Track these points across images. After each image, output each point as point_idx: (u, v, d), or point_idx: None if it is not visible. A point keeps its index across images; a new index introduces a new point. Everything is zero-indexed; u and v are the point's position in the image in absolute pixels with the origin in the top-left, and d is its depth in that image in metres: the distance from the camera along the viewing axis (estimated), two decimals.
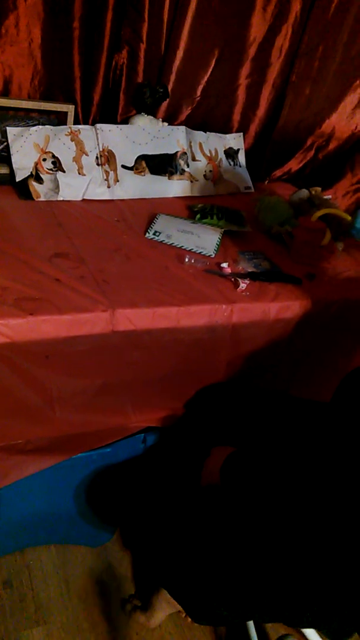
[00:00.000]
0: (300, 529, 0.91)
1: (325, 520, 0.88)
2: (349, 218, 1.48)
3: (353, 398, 0.99)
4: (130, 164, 1.57)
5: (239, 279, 1.26)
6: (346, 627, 1.00)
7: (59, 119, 1.57)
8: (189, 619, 1.34)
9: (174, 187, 1.63)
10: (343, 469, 0.89)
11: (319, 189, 1.68)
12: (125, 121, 1.64)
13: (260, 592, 0.94)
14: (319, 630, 1.08)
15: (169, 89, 1.64)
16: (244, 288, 1.25)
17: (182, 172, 1.63)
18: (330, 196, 1.71)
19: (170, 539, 1.07)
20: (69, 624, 1.33)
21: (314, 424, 1.10)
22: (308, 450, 1.01)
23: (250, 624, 1.31)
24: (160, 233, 1.38)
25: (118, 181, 1.55)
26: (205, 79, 1.69)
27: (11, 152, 1.45)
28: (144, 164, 1.58)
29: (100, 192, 1.52)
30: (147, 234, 1.37)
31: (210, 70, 1.68)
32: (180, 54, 1.61)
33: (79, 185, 1.49)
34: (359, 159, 2.09)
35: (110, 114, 1.66)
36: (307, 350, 1.37)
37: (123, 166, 1.56)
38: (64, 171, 1.48)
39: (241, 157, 1.81)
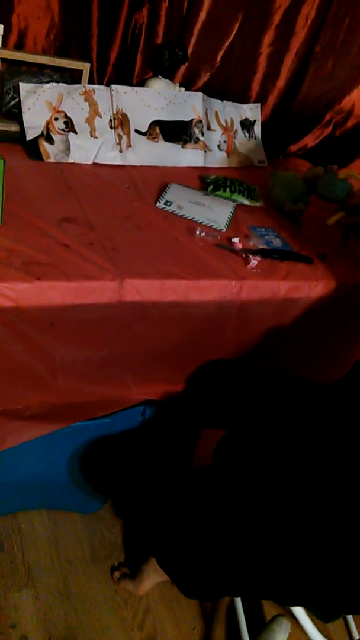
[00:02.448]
0: (293, 508, 0.91)
1: (318, 501, 0.88)
2: None
3: None
4: (144, 128, 1.52)
5: (250, 255, 1.24)
6: (335, 607, 1.01)
7: (73, 77, 1.51)
8: (176, 589, 1.36)
9: (187, 156, 1.58)
10: (339, 450, 0.88)
11: (335, 167, 1.64)
12: (142, 83, 1.58)
13: (251, 568, 0.94)
14: (308, 610, 1.09)
15: (189, 53, 1.58)
16: (254, 265, 1.22)
17: (197, 140, 1.58)
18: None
19: (163, 513, 1.07)
20: (57, 587, 1.34)
21: (314, 405, 1.09)
22: (304, 432, 1.00)
23: (238, 600, 1.33)
24: (171, 203, 1.34)
25: (130, 146, 1.50)
26: (227, 44, 1.63)
27: (22, 110, 1.40)
28: (157, 129, 1.53)
29: (111, 157, 1.47)
30: (158, 204, 1.34)
31: (232, 35, 1.61)
32: (202, 15, 1.54)
33: (91, 147, 1.44)
34: None
35: (126, 75, 1.60)
36: (314, 332, 1.35)
37: (137, 131, 1.51)
38: (75, 132, 1.43)
39: (257, 129, 1.76)
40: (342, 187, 1.35)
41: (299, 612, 1.15)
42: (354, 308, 1.35)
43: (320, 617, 1.03)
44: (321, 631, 1.19)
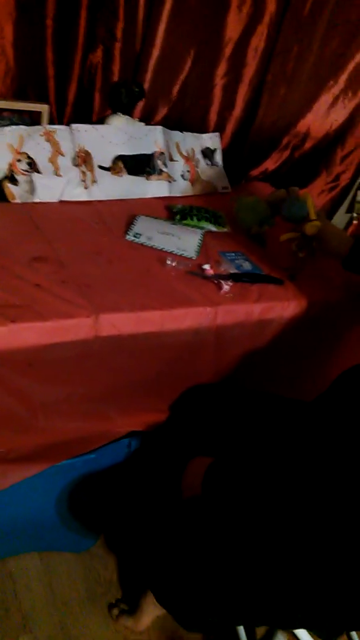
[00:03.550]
0: (287, 532, 0.91)
1: (311, 522, 0.89)
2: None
3: (345, 398, 1.00)
4: (108, 164, 1.55)
5: (222, 281, 1.26)
6: (337, 626, 1.01)
7: (32, 119, 1.53)
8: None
9: (153, 188, 1.61)
10: (327, 469, 0.89)
11: (296, 188, 1.69)
12: (101, 121, 1.61)
13: (250, 597, 0.94)
14: (310, 630, 1.08)
15: (145, 89, 1.62)
16: (227, 290, 1.25)
17: (160, 172, 1.62)
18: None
19: (157, 547, 1.07)
20: (55, 631, 1.31)
21: (295, 424, 1.11)
22: (287, 451, 1.01)
23: (241, 628, 1.32)
24: (140, 235, 1.36)
25: (95, 182, 1.52)
26: (182, 78, 1.68)
27: None
28: (121, 164, 1.56)
29: (77, 193, 1.49)
30: (127, 236, 1.36)
31: (186, 69, 1.67)
32: (156, 53, 1.59)
33: (56, 186, 1.46)
34: (334, 158, 2.11)
35: (85, 113, 1.63)
36: (290, 350, 1.38)
37: (100, 167, 1.54)
38: (39, 172, 1.44)
39: (218, 157, 1.81)
40: (304, 208, 1.40)
41: (301, 632, 1.14)
42: (327, 324, 1.38)
43: (323, 636, 1.03)
44: None
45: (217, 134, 1.80)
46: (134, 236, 1.35)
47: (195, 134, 1.75)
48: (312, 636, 1.15)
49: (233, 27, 1.65)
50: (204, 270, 1.30)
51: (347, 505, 0.84)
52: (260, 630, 1.38)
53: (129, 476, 1.28)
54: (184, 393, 1.25)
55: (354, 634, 1.39)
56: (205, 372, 1.29)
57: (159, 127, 1.63)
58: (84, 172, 1.50)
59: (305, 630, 1.09)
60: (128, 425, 1.22)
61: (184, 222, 1.49)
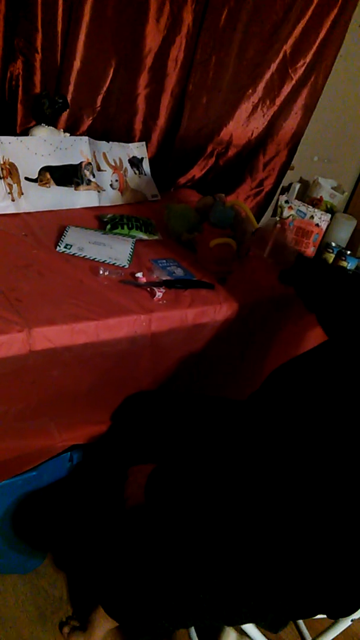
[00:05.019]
0: (229, 529, 0.93)
1: (251, 517, 0.91)
2: (255, 225, 1.54)
3: (275, 394, 1.03)
4: (34, 175, 1.53)
5: (155, 288, 1.28)
6: (282, 617, 1.05)
7: None
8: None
9: (81, 198, 1.61)
10: (262, 464, 0.92)
11: (222, 195, 1.74)
12: (25, 132, 1.60)
13: (196, 597, 0.96)
14: (257, 624, 1.11)
15: (69, 99, 1.62)
16: (160, 297, 1.27)
17: (89, 182, 1.62)
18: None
19: (104, 559, 1.06)
20: None
21: (233, 422, 1.14)
22: (227, 452, 1.04)
23: (192, 629, 1.33)
24: (71, 246, 1.36)
25: (22, 194, 1.50)
26: (105, 88, 1.69)
27: None
28: (48, 175, 1.55)
29: (4, 206, 1.46)
30: (58, 248, 1.35)
31: (108, 80, 1.68)
32: (77, 64, 1.59)
33: None
34: (257, 165, 2.18)
35: (8, 125, 1.61)
36: (225, 352, 1.41)
37: (26, 178, 1.52)
38: None
39: (146, 166, 1.83)
40: (230, 214, 1.44)
41: (248, 626, 1.16)
42: (258, 325, 1.43)
43: (269, 628, 1.06)
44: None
45: (143, 143, 1.83)
46: (65, 247, 1.35)
47: (121, 143, 1.76)
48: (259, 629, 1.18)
49: (152, 38, 1.68)
50: (136, 278, 1.31)
51: (284, 498, 0.87)
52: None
53: (72, 491, 1.26)
54: (123, 402, 1.25)
55: (300, 622, 1.44)
56: (143, 379, 1.30)
57: (85, 138, 1.63)
58: (10, 185, 1.48)
59: (252, 625, 1.11)
60: (68, 439, 1.21)
61: (115, 231, 1.50)
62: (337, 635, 1.12)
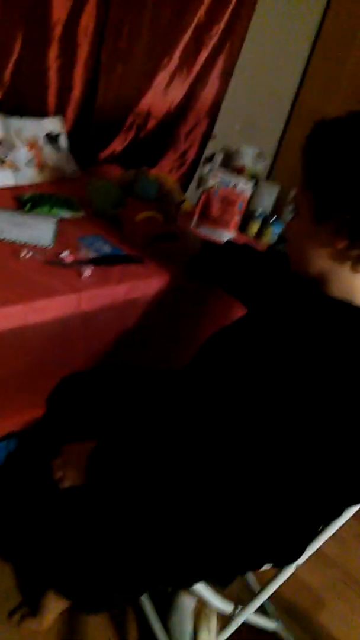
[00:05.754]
0: (171, 495, 0.95)
1: (191, 482, 0.94)
2: (181, 197, 1.54)
3: (207, 362, 1.06)
4: None
5: (82, 266, 1.26)
6: (229, 573, 1.09)
7: None
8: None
9: None
10: (197, 430, 0.95)
11: (145, 168, 1.73)
12: None
13: (146, 566, 0.98)
14: (206, 582, 1.16)
15: None
16: (88, 275, 1.25)
17: (2, 161, 1.55)
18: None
19: (50, 542, 1.06)
20: None
21: (169, 392, 1.15)
22: (165, 420, 1.06)
23: (144, 597, 1.37)
24: None
25: None
26: (13, 61, 1.61)
27: None
28: None
29: None
30: None
31: (16, 53, 1.60)
32: None
33: None
34: (178, 135, 2.17)
35: None
36: (159, 325, 1.42)
37: None
38: None
39: (63, 141, 1.78)
40: (154, 187, 1.43)
41: (198, 586, 1.21)
42: (189, 296, 1.44)
43: (219, 584, 1.11)
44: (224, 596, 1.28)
45: (58, 117, 1.77)
46: None
47: (35, 118, 1.70)
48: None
49: (60, 7, 1.61)
50: (62, 258, 1.28)
51: (218, 459, 0.90)
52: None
53: (9, 479, 1.25)
54: (58, 385, 1.24)
55: (248, 574, 1.51)
56: (78, 360, 1.29)
57: None
58: None
59: (202, 584, 1.16)
60: (4, 428, 1.19)
61: (36, 210, 1.45)
62: (283, 582, 1.18)
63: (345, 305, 0.86)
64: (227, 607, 1.25)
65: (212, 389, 0.98)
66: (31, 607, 1.31)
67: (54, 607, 1.25)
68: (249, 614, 1.26)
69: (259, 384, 0.86)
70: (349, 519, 1.10)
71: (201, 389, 1.03)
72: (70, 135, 1.80)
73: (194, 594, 1.28)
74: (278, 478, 0.83)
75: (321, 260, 0.87)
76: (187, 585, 1.09)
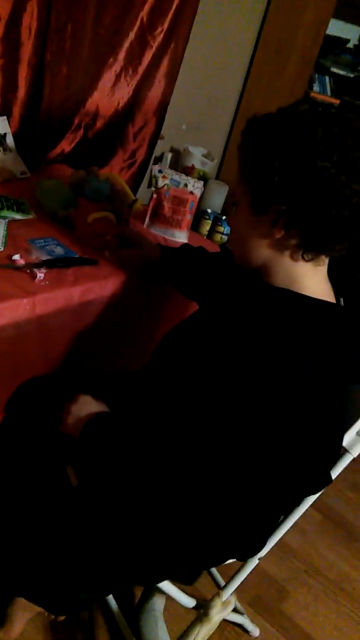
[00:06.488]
0: (134, 495, 0.95)
1: (153, 481, 0.94)
2: (132, 197, 1.54)
3: (167, 359, 1.06)
4: None
5: (35, 269, 1.24)
6: (195, 569, 1.10)
7: None
8: (51, 616, 1.33)
9: None
10: (156, 429, 0.95)
11: (95, 168, 1.71)
12: None
13: (109, 565, 0.98)
14: (173, 580, 1.16)
15: None
16: (41, 278, 1.23)
17: None
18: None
19: (14, 542, 1.04)
20: None
21: (128, 393, 1.15)
22: (126, 421, 1.06)
23: (110, 597, 1.36)
24: None
25: None
26: None
27: None
28: None
29: None
30: None
31: None
32: None
33: None
34: (127, 135, 2.17)
35: None
36: (116, 327, 1.42)
37: None
38: None
39: (10, 141, 1.74)
40: (105, 187, 1.43)
41: (164, 585, 1.21)
42: (144, 297, 1.44)
43: (184, 582, 1.11)
44: (190, 593, 1.28)
45: (4, 117, 1.72)
46: None
47: None
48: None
49: (1, 5, 1.57)
50: (14, 261, 1.26)
51: (178, 457, 0.91)
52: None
53: None
54: (17, 390, 1.21)
55: (213, 570, 1.53)
56: (36, 363, 1.27)
57: None
58: None
59: (168, 582, 1.16)
60: None
61: None
62: (247, 575, 1.20)
63: (287, 292, 0.89)
64: (191, 603, 1.26)
65: (169, 385, 0.99)
66: None
67: (22, 615, 1.22)
68: (227, 612, 1.22)
69: (209, 375, 0.87)
70: (309, 509, 1.13)
71: (159, 385, 1.03)
72: (17, 136, 1.77)
73: (161, 593, 1.28)
74: (235, 469, 0.84)
75: (262, 251, 0.90)
76: (152, 582, 1.09)
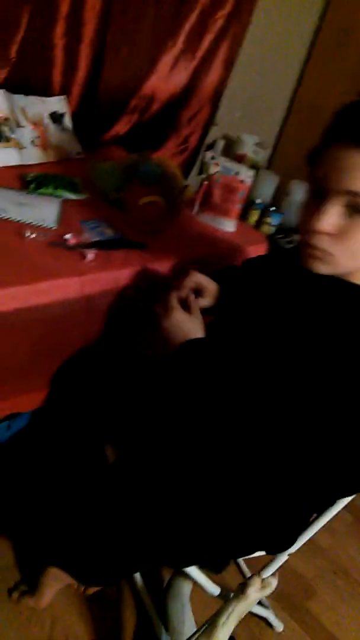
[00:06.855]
0: (170, 478, 0.96)
1: (189, 466, 0.94)
2: (183, 183, 1.53)
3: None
4: None
5: (85, 250, 1.25)
6: (223, 558, 1.11)
7: None
8: (80, 589, 1.36)
9: (1, 156, 1.51)
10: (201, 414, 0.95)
11: (149, 152, 1.71)
12: None
13: (141, 542, 0.99)
14: (201, 567, 1.16)
15: None
16: (91, 258, 1.24)
17: (8, 139, 1.52)
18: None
19: (51, 517, 1.07)
20: None
21: (165, 378, 1.15)
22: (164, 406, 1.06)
23: (137, 575, 1.38)
24: None
25: None
26: (19, 38, 1.57)
27: None
28: None
29: None
30: None
31: (23, 28, 1.57)
32: None
33: None
34: (181, 120, 2.15)
35: None
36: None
37: None
38: None
39: (67, 121, 1.75)
40: (157, 171, 1.42)
41: (192, 570, 1.22)
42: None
43: (213, 569, 1.12)
44: (216, 581, 1.29)
45: (63, 97, 1.74)
46: None
47: (41, 97, 1.67)
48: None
49: None
50: (65, 240, 1.27)
51: (220, 446, 0.90)
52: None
53: (14, 458, 1.24)
54: (61, 367, 1.23)
55: (240, 561, 1.53)
56: (78, 341, 1.28)
57: (0, 91, 1.53)
58: None
59: (196, 569, 1.17)
60: (5, 408, 1.19)
61: (40, 190, 1.43)
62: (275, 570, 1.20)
63: None
64: (217, 591, 1.26)
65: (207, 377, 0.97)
66: (30, 584, 1.31)
67: (52, 584, 1.26)
68: (265, 593, 1.15)
69: (294, 371, 0.85)
70: (341, 511, 1.12)
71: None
72: (74, 116, 1.78)
73: (188, 578, 1.29)
74: (278, 464, 0.83)
75: None
76: (181, 565, 1.10)
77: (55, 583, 1.26)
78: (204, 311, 1.16)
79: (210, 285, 1.19)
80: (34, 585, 1.29)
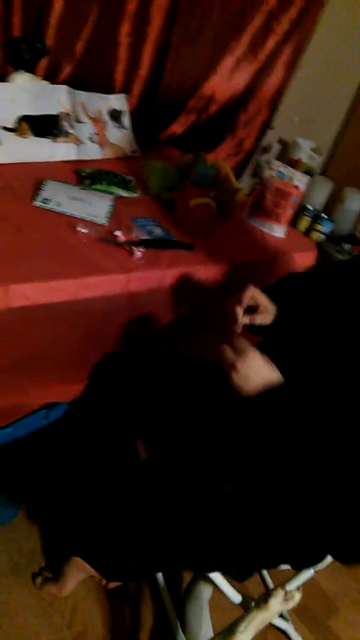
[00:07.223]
0: (199, 482, 0.96)
1: (222, 473, 0.94)
2: (236, 186, 1.52)
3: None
4: (11, 125, 1.47)
5: (134, 247, 1.26)
6: (247, 567, 1.10)
7: None
8: (102, 582, 1.38)
9: (60, 150, 1.55)
10: (238, 423, 0.94)
11: (203, 153, 1.71)
12: (2, 79, 1.52)
13: (165, 542, 0.99)
14: (224, 574, 1.16)
15: (49, 45, 1.54)
16: (139, 256, 1.25)
17: (68, 134, 1.56)
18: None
19: (80, 508, 1.09)
20: None
21: (208, 382, 1.15)
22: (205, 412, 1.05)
23: (159, 575, 1.39)
24: (49, 200, 1.32)
25: (0, 144, 1.44)
26: (86, 35, 1.61)
27: None
28: (25, 125, 1.48)
29: None
30: (35, 202, 1.31)
31: (90, 26, 1.60)
32: (57, 7, 1.51)
33: None
34: (238, 122, 2.14)
35: None
36: (203, 313, 1.42)
37: (4, 128, 1.45)
38: None
39: (126, 119, 1.77)
40: (211, 173, 1.42)
41: (215, 576, 1.21)
42: (234, 287, 1.43)
43: (235, 577, 1.11)
44: (238, 589, 1.28)
45: (123, 95, 1.76)
46: (43, 202, 1.31)
47: (101, 94, 1.70)
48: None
49: None
50: (115, 236, 1.29)
51: (257, 456, 0.90)
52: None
53: (48, 445, 1.27)
54: (101, 360, 1.25)
55: (264, 572, 1.51)
56: (119, 338, 1.30)
57: (64, 87, 1.56)
58: None
59: (219, 575, 1.16)
60: (44, 397, 1.21)
61: (94, 186, 1.46)
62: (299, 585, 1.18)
63: None
64: (237, 599, 1.25)
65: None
66: (53, 572, 1.34)
67: (75, 575, 1.28)
68: (287, 606, 1.09)
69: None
70: None
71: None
72: (133, 114, 1.80)
73: (210, 583, 1.29)
74: (310, 484, 0.82)
75: None
76: (204, 570, 1.10)
77: (79, 573, 1.29)
78: (249, 329, 1.12)
79: (267, 303, 1.11)
80: (57, 573, 1.32)
